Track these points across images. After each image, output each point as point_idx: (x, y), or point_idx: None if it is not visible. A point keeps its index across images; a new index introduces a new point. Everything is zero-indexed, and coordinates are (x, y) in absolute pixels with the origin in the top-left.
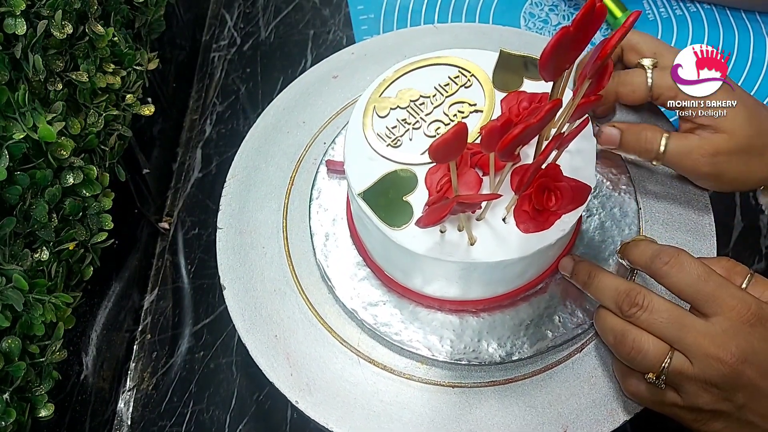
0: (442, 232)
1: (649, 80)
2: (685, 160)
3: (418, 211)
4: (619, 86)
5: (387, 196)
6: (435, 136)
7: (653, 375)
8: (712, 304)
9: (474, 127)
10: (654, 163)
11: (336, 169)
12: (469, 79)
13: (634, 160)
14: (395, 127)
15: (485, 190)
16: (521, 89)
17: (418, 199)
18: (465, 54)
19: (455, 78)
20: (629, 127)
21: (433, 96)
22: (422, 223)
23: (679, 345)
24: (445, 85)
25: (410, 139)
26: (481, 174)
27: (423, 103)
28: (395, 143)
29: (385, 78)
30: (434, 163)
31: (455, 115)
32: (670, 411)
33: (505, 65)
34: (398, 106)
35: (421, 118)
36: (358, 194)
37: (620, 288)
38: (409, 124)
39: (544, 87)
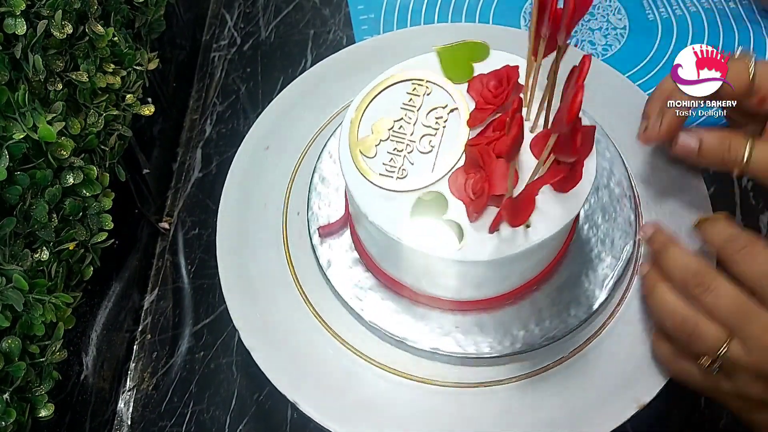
0: (496, 231)
1: (751, 70)
2: None
3: (464, 223)
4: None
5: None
6: (431, 150)
7: (707, 360)
8: None
9: (462, 123)
10: (736, 173)
11: (332, 231)
12: (426, 86)
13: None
14: (391, 159)
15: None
16: (476, 74)
17: (457, 212)
18: (406, 65)
19: (414, 91)
20: (709, 133)
21: (405, 116)
22: (515, 222)
23: (738, 333)
24: (409, 101)
25: (412, 164)
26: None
27: (401, 127)
28: (402, 174)
29: (351, 120)
30: (448, 175)
31: (437, 122)
32: (718, 396)
33: (449, 60)
34: (381, 140)
35: (408, 140)
36: (396, 237)
37: (691, 266)
38: (401, 151)
39: (494, 64)
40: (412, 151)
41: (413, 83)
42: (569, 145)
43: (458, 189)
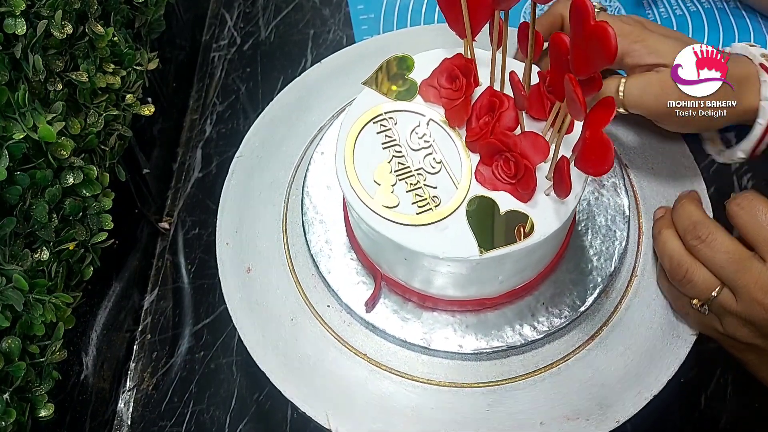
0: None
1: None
2: (646, 96)
3: (522, 206)
4: (566, 10)
5: (488, 224)
6: (440, 166)
7: (698, 302)
8: None
9: (446, 127)
10: (619, 110)
11: (375, 300)
12: (389, 118)
13: None
14: (415, 196)
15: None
16: (419, 83)
17: (508, 202)
18: (353, 114)
19: (382, 129)
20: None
21: (394, 152)
22: (603, 166)
23: (729, 284)
24: (386, 139)
25: (435, 187)
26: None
27: (399, 163)
28: (436, 202)
29: (352, 186)
30: (472, 177)
31: (425, 139)
32: (711, 333)
33: (384, 85)
34: (392, 186)
35: (414, 171)
36: (480, 254)
37: (692, 217)
38: (417, 183)
39: (428, 66)
40: (425, 177)
41: (374, 122)
42: (594, 82)
43: (491, 181)
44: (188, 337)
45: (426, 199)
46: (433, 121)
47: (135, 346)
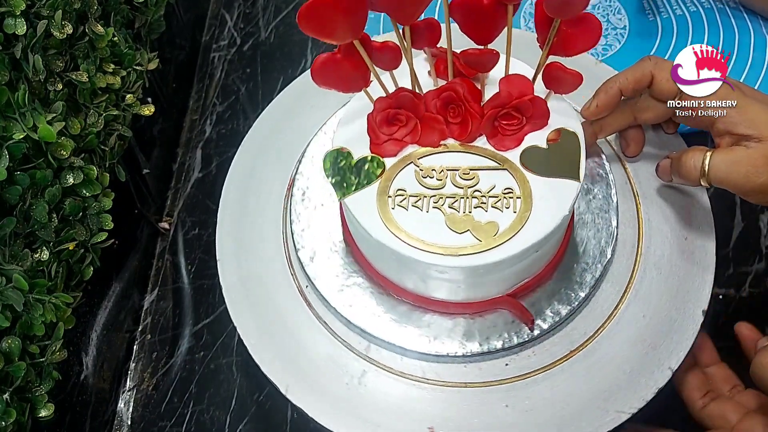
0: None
1: None
2: (734, 174)
3: (550, 128)
4: (656, 69)
5: (552, 162)
6: (473, 173)
7: None
8: None
9: (443, 149)
10: (702, 183)
11: (528, 319)
12: (396, 193)
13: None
14: (493, 206)
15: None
16: (369, 154)
17: (540, 137)
18: (371, 223)
19: (404, 202)
20: (678, 152)
21: (438, 204)
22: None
23: None
24: (419, 203)
25: (494, 186)
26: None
27: (452, 205)
28: (512, 193)
29: (461, 255)
30: (500, 152)
31: (440, 171)
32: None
33: (353, 182)
34: (474, 221)
35: (467, 194)
36: (580, 181)
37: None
38: (482, 200)
39: (359, 132)
40: (474, 189)
41: (395, 207)
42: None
43: (512, 140)
44: (188, 337)
45: (503, 198)
46: (420, 158)
47: (135, 346)
